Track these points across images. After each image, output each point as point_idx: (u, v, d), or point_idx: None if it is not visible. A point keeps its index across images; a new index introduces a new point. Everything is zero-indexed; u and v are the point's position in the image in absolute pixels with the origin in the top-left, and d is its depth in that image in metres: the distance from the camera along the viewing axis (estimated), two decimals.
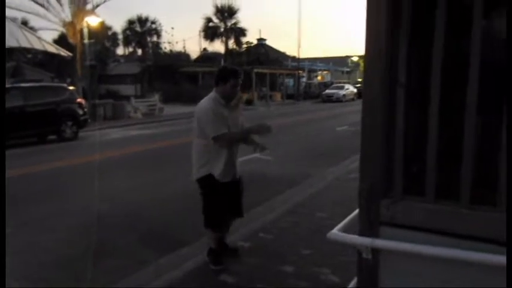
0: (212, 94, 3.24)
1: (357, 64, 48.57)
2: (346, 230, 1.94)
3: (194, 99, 26.37)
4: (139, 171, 7.73)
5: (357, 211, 1.97)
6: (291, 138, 12.01)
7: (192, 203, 5.41)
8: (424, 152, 1.78)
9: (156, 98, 21.30)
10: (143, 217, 5.08)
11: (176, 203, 5.63)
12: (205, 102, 3.21)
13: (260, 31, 64.08)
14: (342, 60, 50.83)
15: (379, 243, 1.80)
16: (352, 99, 33.03)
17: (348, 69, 49.56)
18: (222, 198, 3.30)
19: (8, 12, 19.50)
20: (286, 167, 7.94)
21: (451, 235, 1.68)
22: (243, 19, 63.78)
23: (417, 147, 1.84)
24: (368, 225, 1.85)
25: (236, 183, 3.43)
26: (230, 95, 3.21)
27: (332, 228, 1.94)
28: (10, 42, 14.30)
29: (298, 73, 34.73)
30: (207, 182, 3.25)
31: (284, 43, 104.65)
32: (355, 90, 34.27)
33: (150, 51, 38.74)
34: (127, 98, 21.18)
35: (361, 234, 1.85)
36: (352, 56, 50.78)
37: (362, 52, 1.88)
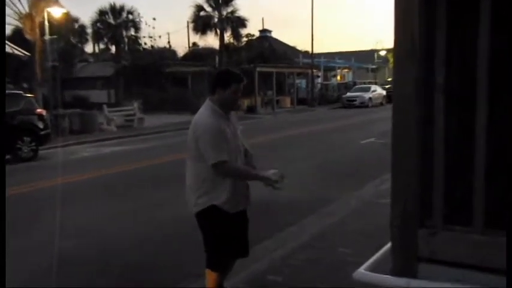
0: (209, 104, 3.25)
1: (385, 60, 48.91)
2: (375, 268, 1.96)
3: (182, 107, 26.59)
4: (115, 198, 7.76)
5: (388, 245, 1.99)
6: (303, 153, 12.04)
7: (182, 235, 5.46)
8: (470, 169, 1.81)
9: (134, 106, 21.47)
10: (120, 255, 5.09)
11: (162, 237, 5.63)
12: (205, 115, 3.20)
13: (263, 21, 64.67)
14: (367, 55, 51.17)
15: (417, 284, 1.82)
16: (381, 104, 33.16)
17: (375, 66, 49.84)
18: (229, 233, 3.32)
19: None
20: (299, 190, 7.94)
21: (504, 273, 1.69)
22: (242, 6, 64.73)
23: (461, 163, 1.87)
24: (402, 262, 1.87)
25: (244, 213, 3.45)
26: (230, 104, 3.25)
27: (358, 266, 1.95)
28: None
29: (312, 72, 34.97)
30: (210, 215, 3.26)
31: (294, 35, 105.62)
32: (383, 92, 34.42)
33: (127, 48, 39.17)
34: (98, 106, 21.36)
35: (394, 273, 1.87)
36: (379, 50, 51.15)
37: (391, 45, 1.92)
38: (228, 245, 3.32)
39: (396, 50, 1.85)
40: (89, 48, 43.25)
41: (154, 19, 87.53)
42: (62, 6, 19.23)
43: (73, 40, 38.81)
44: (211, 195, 3.22)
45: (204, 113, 3.24)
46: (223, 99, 3.21)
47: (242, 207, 3.35)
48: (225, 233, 3.31)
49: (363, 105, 31.86)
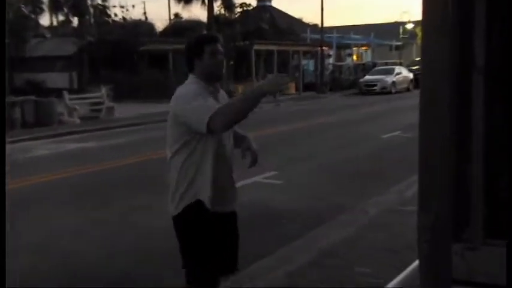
0: (188, 80, 3.32)
1: (412, 35, 48.94)
2: None
3: (161, 94, 26.53)
4: (79, 205, 7.77)
5: (416, 263, 2.00)
6: (312, 151, 12.07)
7: (163, 249, 5.48)
8: None
9: (102, 92, 21.47)
10: (87, 274, 5.11)
11: (138, 251, 5.65)
12: (183, 88, 3.30)
13: None
14: (390, 30, 51.21)
15: None
16: (407, 89, 33.27)
17: (399, 43, 49.92)
18: (215, 237, 3.33)
19: None
20: (306, 196, 7.97)
21: None
22: None
23: (506, 161, 1.88)
24: (433, 285, 1.88)
25: (232, 216, 3.47)
26: (214, 71, 3.27)
27: None
28: None
29: (322, 51, 35.01)
30: (193, 214, 3.28)
31: (300, 4, 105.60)
32: (410, 75, 34.52)
33: (92, 20, 39.09)
34: (57, 92, 21.34)
35: None
36: (405, 23, 51.22)
37: (419, 16, 1.93)
38: (213, 253, 3.32)
39: (424, 23, 1.85)
40: (45, 20, 43.25)
41: None
42: None
43: (24, 10, 38.69)
44: (195, 189, 3.25)
45: (183, 86, 3.31)
46: (205, 70, 3.25)
47: (225, 208, 3.36)
48: (208, 236, 3.31)
49: (385, 91, 31.96)
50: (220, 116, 2.99)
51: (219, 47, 3.28)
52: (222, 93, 3.42)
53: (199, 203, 3.25)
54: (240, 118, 3.04)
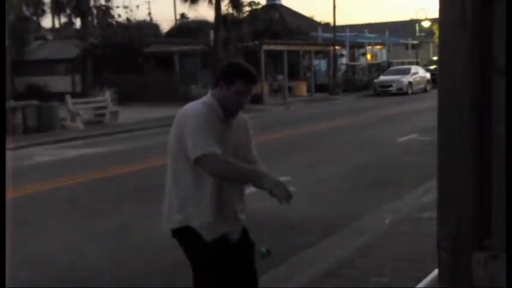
0: (207, 98, 3.27)
1: (430, 33, 48.85)
2: None
3: (167, 97, 26.59)
4: (80, 215, 7.80)
5: (435, 272, 1.99)
6: (324, 156, 12.06)
7: (170, 263, 5.48)
8: None
9: (106, 96, 21.58)
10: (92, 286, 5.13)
11: (142, 265, 5.67)
12: (195, 106, 3.25)
13: None
14: (406, 28, 51.12)
15: None
16: (424, 90, 33.18)
17: (416, 42, 49.80)
18: (222, 267, 3.27)
19: None
20: (319, 203, 7.95)
21: None
22: None
23: None
24: None
25: (244, 240, 3.40)
26: (233, 107, 3.22)
27: None
28: None
29: (334, 50, 35.01)
30: (189, 240, 3.26)
31: (310, 3, 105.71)
32: (427, 75, 34.45)
33: (95, 21, 39.35)
34: (60, 97, 21.47)
35: None
36: (421, 20, 51.11)
37: (437, 14, 1.92)
38: (226, 279, 3.30)
39: (441, 22, 1.85)
40: (47, 22, 43.53)
41: None
42: None
43: (26, 12, 39.06)
44: (186, 211, 3.21)
45: (196, 104, 3.27)
46: (224, 98, 3.19)
47: (230, 236, 3.29)
48: (214, 264, 3.26)
49: (401, 91, 31.87)
50: (212, 163, 3.04)
51: (251, 90, 3.24)
52: (240, 118, 3.36)
53: (191, 230, 3.21)
54: (226, 179, 3.18)
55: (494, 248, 1.86)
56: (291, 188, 3.14)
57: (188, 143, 3.09)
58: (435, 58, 39.32)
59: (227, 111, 3.23)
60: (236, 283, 3.36)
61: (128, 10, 36.48)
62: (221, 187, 3.21)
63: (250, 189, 3.53)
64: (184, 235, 3.25)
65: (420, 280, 2.17)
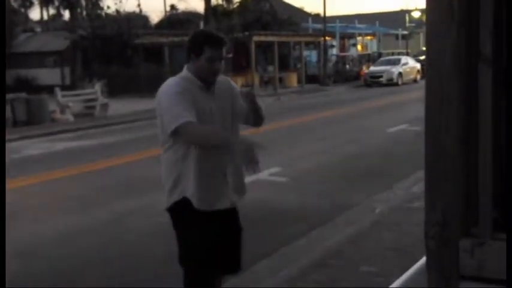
0: (182, 73, 3.34)
1: (420, 23, 48.82)
2: None
3: (158, 88, 26.36)
4: (71, 208, 7.79)
5: (423, 260, 2.01)
6: (314, 146, 12.08)
7: (159, 255, 5.50)
8: None
9: (96, 88, 21.47)
10: (83, 279, 5.14)
11: (132, 257, 5.68)
12: (167, 82, 3.33)
13: None
14: (396, 18, 51.12)
15: None
16: (414, 81, 33.23)
17: (406, 32, 49.81)
18: (207, 236, 3.31)
19: None
20: (309, 194, 7.98)
21: None
22: None
23: None
24: (441, 281, 1.89)
25: (231, 214, 3.45)
26: (208, 75, 3.26)
27: None
28: None
29: (325, 41, 34.98)
30: (180, 212, 3.31)
31: None
32: (417, 65, 34.48)
33: (84, 13, 39.09)
34: (49, 89, 21.36)
35: None
36: (411, 11, 51.07)
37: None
38: (205, 251, 3.32)
39: (429, 11, 1.86)
40: (35, 14, 43.19)
41: None
42: None
43: (13, 3, 38.70)
44: (180, 187, 3.27)
45: (171, 78, 3.35)
46: (198, 70, 3.25)
47: (220, 206, 3.31)
48: (199, 236, 3.30)
49: (391, 82, 31.91)
50: (186, 133, 3.09)
51: (221, 53, 3.25)
52: (224, 84, 3.40)
53: (186, 201, 3.26)
54: (203, 146, 3.20)
55: (480, 235, 1.88)
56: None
57: (163, 120, 3.19)
58: (425, 48, 39.40)
59: (204, 80, 3.27)
60: (219, 260, 3.39)
61: (117, 1, 36.27)
62: (209, 154, 3.24)
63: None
64: (179, 207, 3.30)
65: (408, 268, 2.19)
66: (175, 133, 3.11)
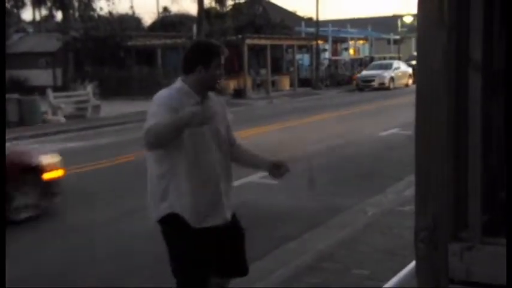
0: (176, 83, 3.30)
1: (412, 28, 48.97)
2: None
3: (150, 90, 26.33)
4: (62, 209, 7.76)
5: (413, 264, 2.03)
6: (307, 150, 12.09)
7: (152, 256, 5.49)
8: None
9: (88, 90, 21.42)
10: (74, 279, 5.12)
11: (128, 258, 5.67)
12: (163, 91, 3.31)
13: None
14: (388, 23, 51.21)
15: None
16: (406, 85, 33.30)
17: (398, 37, 49.96)
18: (199, 251, 3.26)
19: None
20: (302, 197, 7.98)
21: None
22: None
23: (503, 158, 1.92)
24: (430, 285, 1.91)
25: (231, 227, 3.39)
26: (211, 83, 3.27)
27: None
28: None
29: (317, 45, 35.04)
30: (170, 226, 3.27)
31: None
32: (409, 70, 34.59)
33: (77, 14, 38.98)
34: (41, 90, 21.28)
35: None
36: (403, 16, 51.23)
37: None
38: (197, 265, 3.27)
39: (420, 16, 1.88)
40: (27, 14, 43.03)
41: None
42: None
43: (6, 4, 38.49)
44: (169, 200, 3.22)
45: (164, 89, 3.33)
46: (203, 79, 3.23)
47: (218, 221, 3.27)
48: (189, 250, 3.26)
49: (383, 86, 31.99)
50: (146, 135, 3.02)
51: (223, 59, 3.30)
52: (216, 100, 3.42)
53: (175, 215, 3.21)
54: (161, 141, 3.04)
55: (469, 239, 1.90)
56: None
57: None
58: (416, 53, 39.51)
59: (207, 87, 3.29)
60: (218, 270, 3.38)
61: (110, 3, 36.30)
62: (199, 171, 3.20)
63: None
64: (168, 222, 3.25)
65: (399, 271, 2.21)
66: (147, 144, 3.06)
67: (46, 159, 7.52)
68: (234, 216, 3.45)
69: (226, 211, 3.33)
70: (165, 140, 3.04)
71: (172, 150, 3.13)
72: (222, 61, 3.29)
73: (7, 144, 6.53)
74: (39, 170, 7.20)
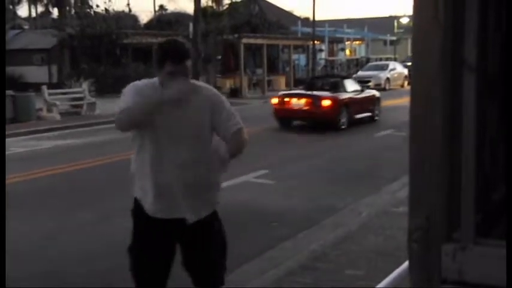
0: (154, 78, 3.27)
1: (408, 29, 49.09)
2: None
3: None
4: (54, 207, 7.75)
5: (406, 264, 2.04)
6: (302, 150, 12.11)
7: None
8: (510, 168, 1.86)
9: (83, 87, 21.38)
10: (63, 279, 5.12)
11: (119, 256, 5.66)
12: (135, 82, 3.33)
13: None
14: (385, 24, 51.38)
15: None
16: (401, 86, 33.40)
17: (394, 38, 50.12)
18: (152, 242, 3.21)
19: None
20: (296, 197, 8.00)
21: None
22: None
23: (498, 160, 1.92)
24: (423, 285, 1.91)
25: (197, 227, 3.14)
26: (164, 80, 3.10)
27: None
28: None
29: (314, 45, 35.07)
30: (134, 209, 3.28)
31: None
32: (405, 71, 34.67)
33: (73, 11, 38.90)
34: (36, 87, 21.22)
35: None
36: (400, 17, 51.41)
37: None
38: (142, 263, 3.26)
39: (415, 16, 1.88)
40: (23, 11, 42.96)
41: None
42: None
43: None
44: (135, 189, 3.25)
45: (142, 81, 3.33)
46: (162, 81, 3.10)
47: (176, 214, 3.12)
48: (142, 240, 3.25)
49: (379, 87, 32.03)
50: (119, 115, 3.07)
51: (184, 67, 3.04)
52: (202, 96, 3.16)
53: (138, 205, 3.22)
54: (134, 121, 3.07)
55: (462, 240, 1.91)
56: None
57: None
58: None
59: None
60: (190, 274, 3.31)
61: (106, 0, 36.16)
62: (162, 158, 3.09)
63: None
64: (134, 211, 3.27)
65: (392, 271, 2.22)
66: (118, 121, 3.12)
67: None
68: (212, 216, 3.24)
69: (188, 211, 3.11)
70: (137, 118, 3.07)
71: (140, 139, 3.17)
72: (182, 69, 3.04)
73: None
74: None
